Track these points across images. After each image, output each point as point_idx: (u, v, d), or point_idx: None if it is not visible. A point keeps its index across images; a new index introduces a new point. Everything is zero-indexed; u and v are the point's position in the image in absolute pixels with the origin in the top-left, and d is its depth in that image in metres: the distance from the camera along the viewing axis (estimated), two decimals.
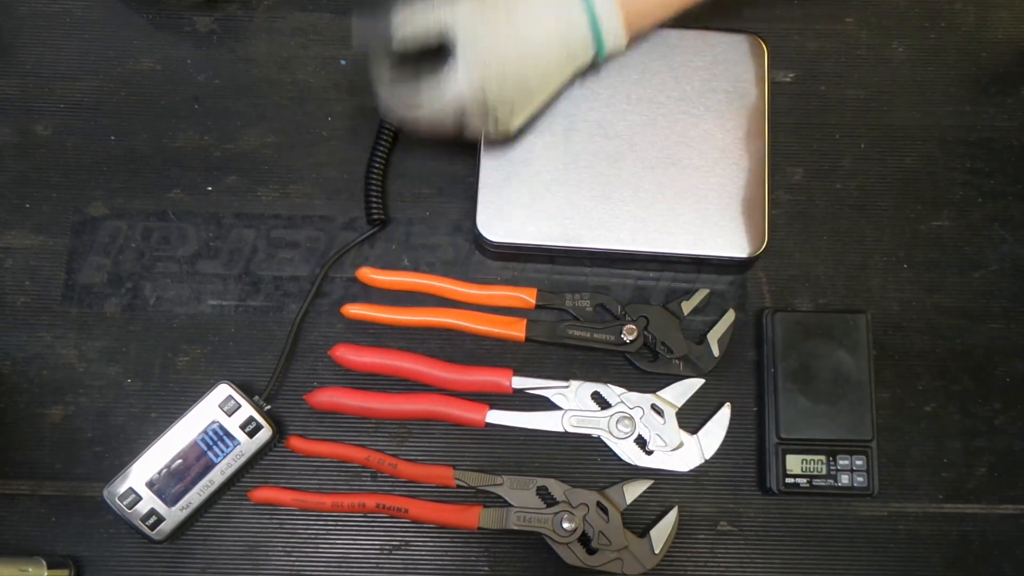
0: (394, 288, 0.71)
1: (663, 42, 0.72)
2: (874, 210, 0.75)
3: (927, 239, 0.74)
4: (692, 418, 0.70)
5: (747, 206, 0.70)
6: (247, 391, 0.67)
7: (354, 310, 0.70)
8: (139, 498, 0.65)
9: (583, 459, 0.70)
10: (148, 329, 0.71)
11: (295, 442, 0.69)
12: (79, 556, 0.67)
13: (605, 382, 0.70)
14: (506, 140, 0.69)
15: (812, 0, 0.79)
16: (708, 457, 0.69)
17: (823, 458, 0.68)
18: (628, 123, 0.71)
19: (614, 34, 0.65)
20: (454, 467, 0.69)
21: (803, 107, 0.76)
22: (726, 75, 0.72)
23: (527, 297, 0.71)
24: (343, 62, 0.76)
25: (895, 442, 0.70)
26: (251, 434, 0.66)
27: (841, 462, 0.68)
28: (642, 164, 0.70)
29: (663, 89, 0.71)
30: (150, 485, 0.65)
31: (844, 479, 0.67)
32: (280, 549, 0.68)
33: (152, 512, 0.65)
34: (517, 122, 0.67)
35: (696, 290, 0.71)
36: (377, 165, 0.73)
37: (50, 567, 0.65)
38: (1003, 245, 0.74)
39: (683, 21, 0.77)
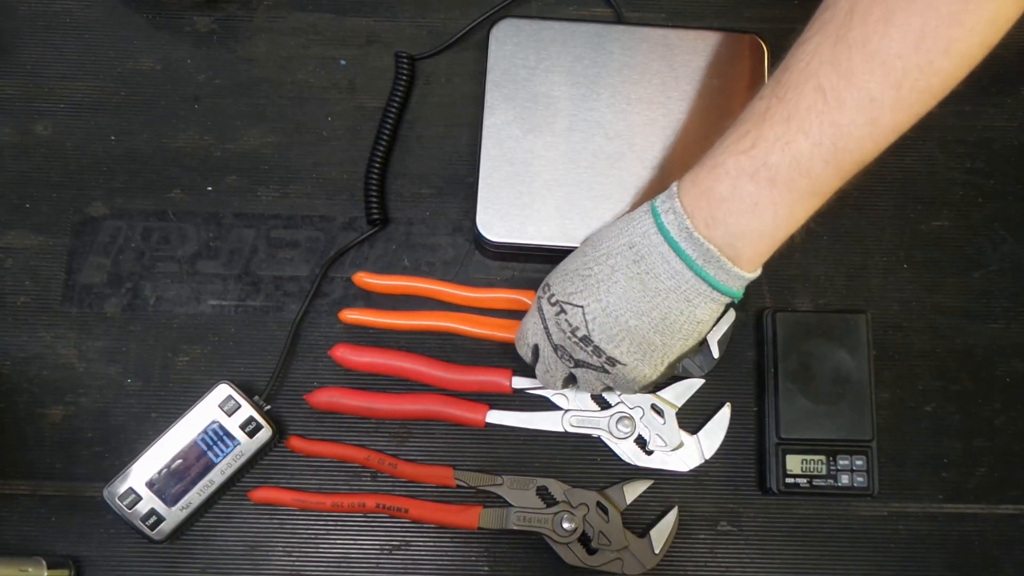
0: (391, 292, 0.71)
1: (663, 42, 0.73)
2: (874, 210, 0.75)
3: (927, 239, 0.74)
4: (692, 418, 0.70)
5: None
6: (247, 391, 0.67)
7: (351, 315, 0.70)
8: (139, 498, 0.65)
9: (583, 459, 0.70)
10: (148, 329, 0.71)
11: (295, 442, 0.69)
12: (79, 556, 0.67)
13: None
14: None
15: (812, 0, 0.78)
16: (708, 457, 0.69)
17: (823, 458, 0.68)
18: (628, 123, 0.71)
19: (742, 283, 0.58)
20: (454, 467, 0.69)
21: None
22: (726, 75, 0.72)
23: (525, 299, 0.70)
24: (343, 62, 0.76)
25: (895, 442, 0.70)
26: (251, 434, 0.66)
27: (841, 462, 0.68)
28: (642, 164, 0.70)
29: (663, 89, 0.71)
30: (150, 485, 0.65)
31: (844, 479, 0.67)
32: (280, 549, 0.68)
33: (152, 512, 0.65)
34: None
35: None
36: (377, 165, 0.73)
37: (50, 567, 0.65)
38: (1003, 245, 0.74)
39: (683, 21, 0.77)
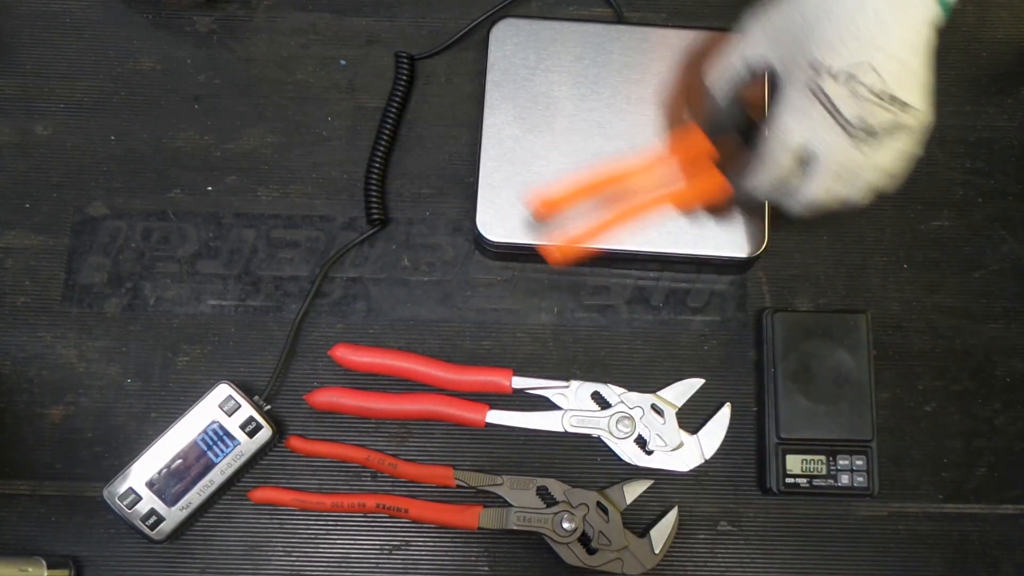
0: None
1: (663, 42, 0.72)
2: (874, 210, 0.74)
3: (927, 239, 0.74)
4: (692, 418, 0.70)
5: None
6: (247, 391, 0.67)
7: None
8: (139, 498, 0.65)
9: (583, 459, 0.70)
10: (148, 329, 0.71)
11: (295, 442, 0.69)
12: (79, 556, 0.67)
13: (605, 382, 0.70)
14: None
15: None
16: (708, 457, 0.69)
17: (823, 458, 0.68)
18: (628, 123, 0.71)
19: None
20: (454, 467, 0.69)
21: None
22: None
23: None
24: (343, 62, 0.76)
25: (895, 442, 0.70)
26: (251, 434, 0.66)
27: (841, 462, 0.68)
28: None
29: (663, 89, 0.71)
30: (150, 485, 0.65)
31: (844, 479, 0.67)
32: (280, 549, 0.68)
33: (152, 512, 0.65)
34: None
35: None
36: (377, 165, 0.73)
37: (50, 567, 0.65)
38: (1003, 245, 0.74)
39: (683, 21, 0.77)
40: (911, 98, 0.56)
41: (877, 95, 0.56)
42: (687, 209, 0.66)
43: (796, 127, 0.58)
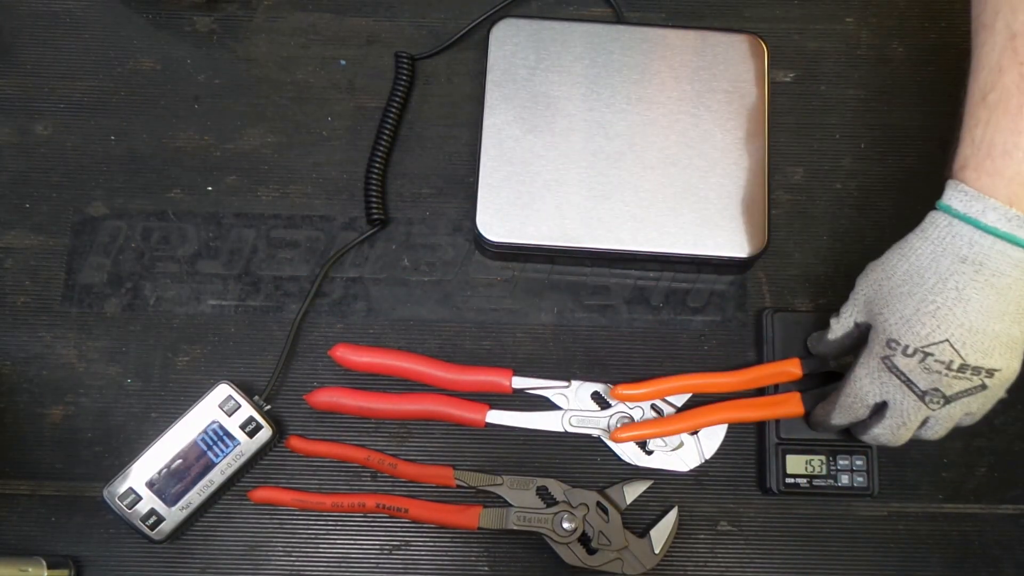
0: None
1: (663, 42, 0.73)
2: (874, 210, 0.75)
3: None
4: None
5: (747, 206, 0.70)
6: (247, 391, 0.67)
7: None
8: (139, 498, 0.65)
9: (583, 459, 0.70)
10: (148, 329, 0.71)
11: (295, 442, 0.69)
12: (79, 556, 0.67)
13: (605, 382, 0.70)
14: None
15: (812, 0, 0.79)
16: (708, 457, 0.69)
17: (823, 458, 0.68)
18: (628, 123, 0.71)
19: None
20: (454, 467, 0.69)
21: (803, 107, 0.76)
22: (726, 75, 0.72)
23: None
24: (343, 62, 0.76)
25: None
26: (251, 434, 0.66)
27: (841, 462, 0.68)
28: (642, 164, 0.70)
29: (663, 89, 0.71)
30: (150, 485, 0.65)
31: (844, 479, 0.67)
32: (280, 549, 0.68)
33: (152, 512, 0.65)
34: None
35: None
36: (377, 165, 0.73)
37: (50, 567, 0.65)
38: None
39: (683, 21, 0.77)
40: (991, 363, 0.57)
41: (952, 369, 0.58)
42: (754, 420, 0.69)
43: (871, 389, 0.61)
